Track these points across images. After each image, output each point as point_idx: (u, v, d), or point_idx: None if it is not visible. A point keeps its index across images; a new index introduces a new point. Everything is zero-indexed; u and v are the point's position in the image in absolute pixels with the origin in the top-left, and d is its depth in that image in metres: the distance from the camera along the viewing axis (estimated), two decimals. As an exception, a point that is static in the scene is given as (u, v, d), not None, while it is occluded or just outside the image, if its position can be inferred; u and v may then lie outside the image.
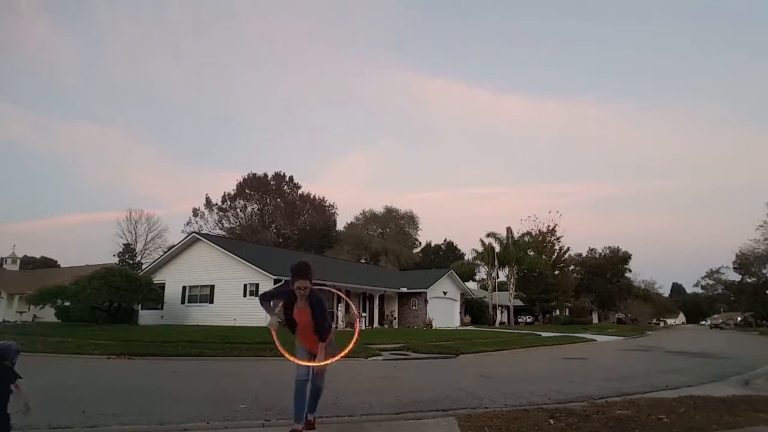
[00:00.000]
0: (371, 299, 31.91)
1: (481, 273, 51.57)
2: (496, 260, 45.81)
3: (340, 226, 64.43)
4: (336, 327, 19.86)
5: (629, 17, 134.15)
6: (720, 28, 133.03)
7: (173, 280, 28.09)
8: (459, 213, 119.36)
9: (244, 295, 24.98)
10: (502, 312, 48.22)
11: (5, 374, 3.59)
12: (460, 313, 39.98)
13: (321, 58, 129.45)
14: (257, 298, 5.00)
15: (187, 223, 56.73)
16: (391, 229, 63.08)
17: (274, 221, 59.12)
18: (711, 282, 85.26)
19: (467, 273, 47.51)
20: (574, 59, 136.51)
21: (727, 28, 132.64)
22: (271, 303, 4.78)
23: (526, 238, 49.74)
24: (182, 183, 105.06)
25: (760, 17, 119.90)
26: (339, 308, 26.59)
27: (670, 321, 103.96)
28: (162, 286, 27.55)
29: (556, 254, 54.71)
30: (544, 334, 26.35)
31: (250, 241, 43.57)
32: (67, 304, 25.08)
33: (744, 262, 61.63)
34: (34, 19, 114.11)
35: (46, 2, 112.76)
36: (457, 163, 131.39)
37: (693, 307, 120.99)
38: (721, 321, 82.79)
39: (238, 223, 57.91)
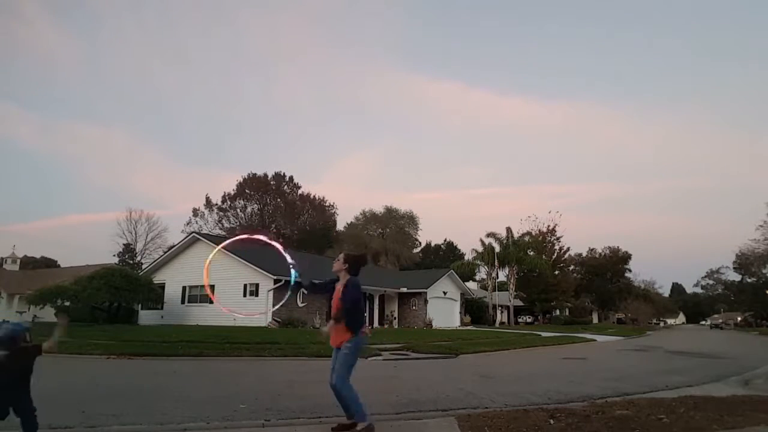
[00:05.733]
0: (371, 299, 31.90)
1: (481, 273, 51.50)
2: (496, 260, 45.78)
3: (340, 226, 64.45)
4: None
5: (629, 19, 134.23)
6: (719, 30, 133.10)
7: (173, 280, 28.06)
8: (459, 213, 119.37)
9: (244, 295, 24.94)
10: (502, 312, 48.17)
11: (25, 353, 3.50)
12: (460, 313, 39.94)
13: (322, 59, 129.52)
14: (304, 290, 4.99)
15: (187, 223, 56.82)
16: (391, 229, 62.91)
17: (274, 221, 59.10)
18: (711, 282, 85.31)
19: (467, 273, 47.45)
20: (575, 60, 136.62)
21: (727, 29, 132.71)
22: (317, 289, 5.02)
23: (526, 238, 49.73)
24: (182, 183, 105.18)
25: (759, 18, 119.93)
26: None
27: (670, 321, 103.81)
28: (162, 286, 27.52)
29: (556, 254, 54.68)
30: (544, 334, 26.32)
31: (250, 241, 43.44)
32: (67, 304, 25.03)
33: (744, 262, 61.67)
34: (37, 21, 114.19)
35: (50, 4, 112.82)
36: (457, 163, 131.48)
37: (693, 307, 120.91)
38: (721, 321, 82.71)
39: (238, 223, 57.85)
